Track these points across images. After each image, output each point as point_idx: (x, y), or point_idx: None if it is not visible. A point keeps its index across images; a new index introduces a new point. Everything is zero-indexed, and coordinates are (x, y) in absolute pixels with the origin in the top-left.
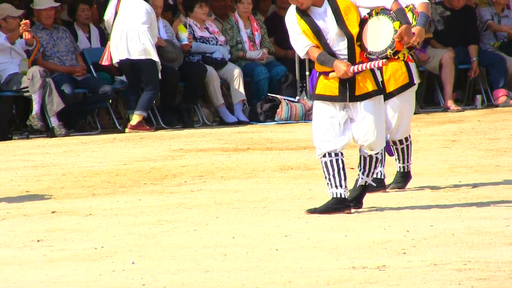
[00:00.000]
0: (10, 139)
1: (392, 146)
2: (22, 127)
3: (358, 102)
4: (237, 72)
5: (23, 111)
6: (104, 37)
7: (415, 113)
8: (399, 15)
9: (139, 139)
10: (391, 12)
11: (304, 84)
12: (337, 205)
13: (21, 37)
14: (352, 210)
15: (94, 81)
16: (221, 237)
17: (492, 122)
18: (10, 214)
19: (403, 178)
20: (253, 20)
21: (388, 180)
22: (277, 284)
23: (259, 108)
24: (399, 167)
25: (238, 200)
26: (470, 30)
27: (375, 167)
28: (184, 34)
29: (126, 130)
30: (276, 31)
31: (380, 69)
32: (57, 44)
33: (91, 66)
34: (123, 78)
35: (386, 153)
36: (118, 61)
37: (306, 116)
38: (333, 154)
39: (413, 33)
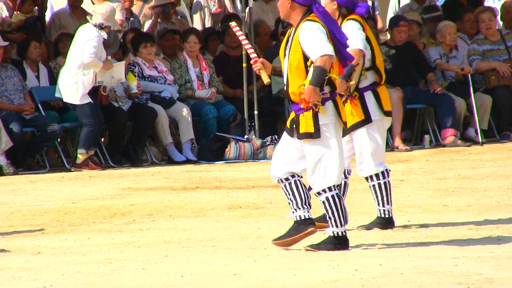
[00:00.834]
0: None
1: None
2: None
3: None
4: (185, 111)
5: None
6: (53, 76)
7: None
8: (313, 72)
9: (87, 178)
10: (313, 66)
11: (253, 123)
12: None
13: None
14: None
15: (43, 120)
16: (170, 276)
17: (440, 162)
18: None
19: (383, 225)
20: (202, 59)
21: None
22: None
23: (208, 147)
24: (378, 210)
25: (187, 238)
26: (421, 63)
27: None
28: (133, 83)
29: (72, 168)
30: (225, 71)
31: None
32: (5, 82)
33: (39, 105)
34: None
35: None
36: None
37: (255, 155)
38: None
39: (316, 96)
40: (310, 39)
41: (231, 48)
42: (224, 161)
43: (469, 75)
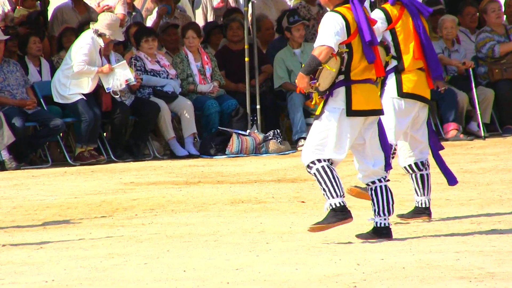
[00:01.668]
0: None
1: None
2: None
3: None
4: (188, 105)
5: None
6: (55, 71)
7: None
8: (307, 61)
9: (90, 173)
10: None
11: (255, 118)
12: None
13: None
14: (304, 243)
15: (45, 115)
16: (172, 270)
17: (442, 156)
18: None
19: (419, 213)
20: (204, 53)
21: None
22: None
23: (210, 142)
24: (416, 201)
25: (189, 233)
26: None
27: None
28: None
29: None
30: (227, 65)
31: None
32: (7, 77)
33: (41, 100)
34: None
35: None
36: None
37: (257, 149)
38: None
39: (308, 83)
40: (321, 29)
41: (233, 42)
42: (226, 156)
43: (471, 69)
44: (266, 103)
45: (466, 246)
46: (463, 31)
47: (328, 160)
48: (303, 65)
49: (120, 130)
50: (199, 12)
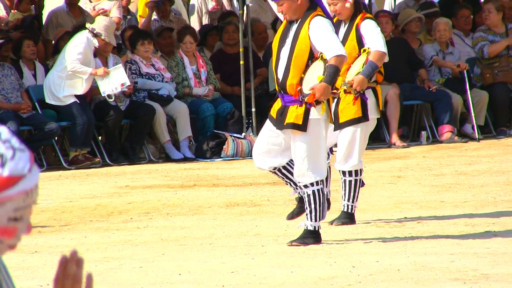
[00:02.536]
0: None
1: (342, 179)
2: None
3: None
4: (183, 108)
5: None
6: None
7: None
8: (327, 71)
9: (85, 176)
10: (326, 63)
11: (250, 121)
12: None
13: None
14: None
15: (40, 118)
16: (168, 274)
17: (437, 158)
18: None
19: (347, 219)
20: (199, 57)
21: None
22: None
23: (205, 145)
24: (344, 205)
25: (184, 236)
26: (412, 58)
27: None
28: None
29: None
30: (222, 68)
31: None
32: (2, 81)
33: (36, 103)
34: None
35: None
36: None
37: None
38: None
39: (328, 93)
40: (324, 36)
41: (228, 45)
42: (221, 159)
43: (465, 71)
44: (262, 106)
45: (461, 248)
46: (457, 34)
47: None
48: (320, 77)
49: (114, 133)
50: (194, 15)
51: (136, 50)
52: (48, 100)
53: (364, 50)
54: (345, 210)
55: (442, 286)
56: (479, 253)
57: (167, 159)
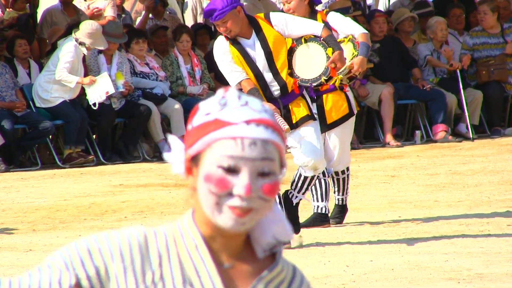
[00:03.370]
0: None
1: (333, 177)
2: None
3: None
4: (177, 107)
5: None
6: None
7: (354, 149)
8: (330, 41)
9: (79, 175)
10: (321, 39)
11: None
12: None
13: None
14: (293, 245)
15: (34, 117)
16: None
17: (431, 158)
18: None
19: (341, 212)
20: (193, 56)
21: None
22: None
23: None
24: (337, 199)
25: None
26: (405, 57)
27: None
28: (120, 81)
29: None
30: (216, 67)
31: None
32: None
33: (30, 102)
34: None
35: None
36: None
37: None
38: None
39: (345, 59)
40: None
41: None
42: None
43: (458, 71)
44: None
45: (455, 248)
46: (451, 33)
47: None
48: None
49: (107, 132)
50: (188, 14)
51: (131, 49)
52: (38, 104)
53: (346, 37)
54: (338, 203)
55: (436, 285)
56: (473, 253)
57: (161, 158)
